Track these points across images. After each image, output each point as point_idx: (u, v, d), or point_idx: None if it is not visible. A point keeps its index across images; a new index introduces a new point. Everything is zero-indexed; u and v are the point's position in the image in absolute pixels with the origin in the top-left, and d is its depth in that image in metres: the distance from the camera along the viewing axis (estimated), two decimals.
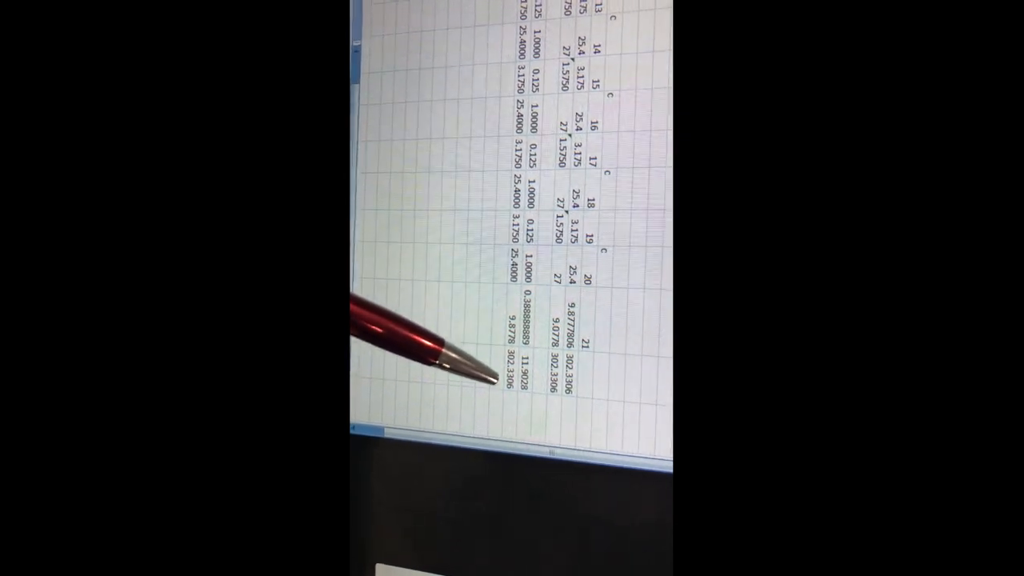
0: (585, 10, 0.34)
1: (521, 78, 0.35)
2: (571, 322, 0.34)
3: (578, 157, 0.34)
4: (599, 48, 0.33)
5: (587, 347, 0.34)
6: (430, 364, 0.22)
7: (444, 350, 0.22)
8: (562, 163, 0.34)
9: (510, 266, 0.35)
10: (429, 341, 0.22)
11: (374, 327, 0.21)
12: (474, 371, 0.22)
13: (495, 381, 0.23)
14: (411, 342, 0.22)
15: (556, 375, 0.34)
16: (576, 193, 0.34)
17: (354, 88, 0.38)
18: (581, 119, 0.34)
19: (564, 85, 0.34)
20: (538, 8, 0.34)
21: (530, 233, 0.35)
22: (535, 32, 0.34)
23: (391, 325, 0.21)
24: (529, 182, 0.35)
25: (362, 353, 0.38)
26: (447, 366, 0.22)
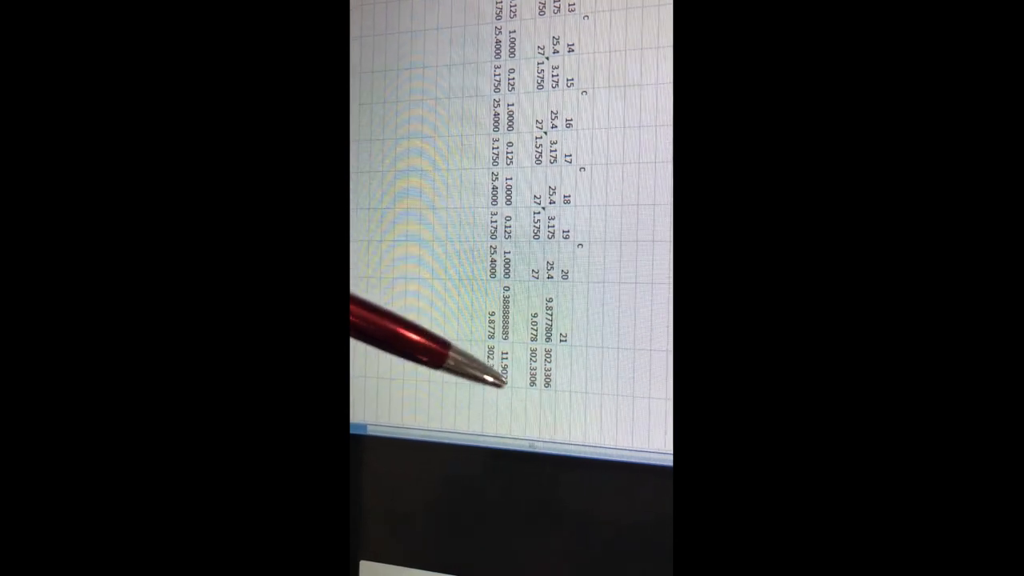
0: (559, 10, 0.34)
1: (497, 77, 0.35)
2: (549, 317, 0.34)
3: (554, 154, 0.34)
4: (573, 47, 0.34)
5: (565, 341, 0.34)
6: (437, 368, 0.21)
7: (450, 353, 0.21)
8: (538, 160, 0.35)
9: (488, 262, 0.35)
10: (435, 344, 0.21)
11: (378, 331, 0.21)
12: (480, 374, 0.22)
13: (502, 384, 0.22)
14: (417, 345, 0.21)
15: (535, 369, 0.35)
16: (552, 190, 0.34)
17: None
18: (556, 117, 0.34)
19: (539, 84, 0.35)
20: (513, 9, 0.35)
21: (508, 230, 0.35)
22: (510, 32, 0.35)
23: (396, 329, 0.21)
24: (506, 179, 0.35)
25: None
26: (455, 369, 0.21)
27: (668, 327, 0.32)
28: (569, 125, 0.34)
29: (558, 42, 0.34)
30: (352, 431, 0.38)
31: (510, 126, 0.35)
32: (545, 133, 0.35)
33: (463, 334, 0.36)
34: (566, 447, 0.34)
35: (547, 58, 0.34)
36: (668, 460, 0.32)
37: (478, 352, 0.36)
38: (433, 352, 0.21)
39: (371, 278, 0.38)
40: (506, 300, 0.35)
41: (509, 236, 0.35)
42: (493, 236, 0.35)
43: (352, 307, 0.21)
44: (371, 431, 0.38)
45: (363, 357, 0.38)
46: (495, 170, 0.35)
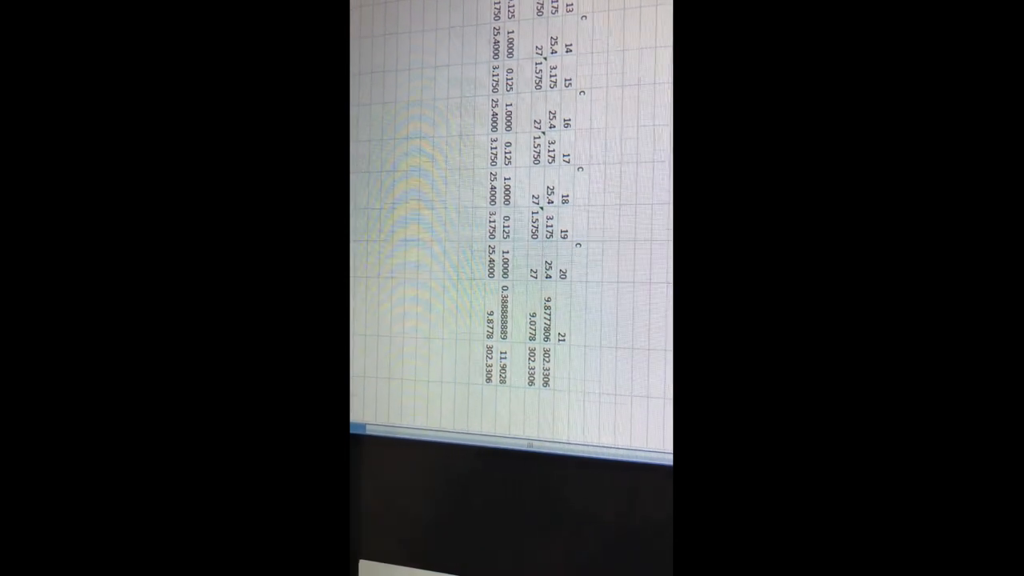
0: (556, 10, 0.34)
1: (495, 78, 0.35)
2: (547, 316, 0.35)
3: (552, 154, 0.34)
4: (571, 47, 0.34)
5: (563, 340, 0.34)
6: None
7: None
8: (536, 160, 0.35)
9: (487, 262, 0.36)
10: None
11: None
12: None
13: None
14: None
15: (534, 369, 0.35)
16: (551, 190, 0.35)
17: None
18: (554, 117, 0.34)
19: (537, 84, 0.35)
20: (511, 9, 0.35)
21: (506, 230, 0.35)
22: (508, 33, 0.35)
23: None
24: (505, 179, 0.35)
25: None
26: None
27: (666, 326, 0.32)
28: (567, 125, 0.34)
29: (556, 42, 0.34)
30: (351, 431, 0.39)
31: (508, 126, 0.35)
32: (543, 133, 0.35)
33: (461, 334, 0.36)
34: (565, 446, 0.34)
35: (545, 58, 0.35)
36: (666, 459, 0.32)
37: (476, 351, 0.36)
38: None
39: (371, 278, 0.38)
40: (505, 299, 0.35)
41: (508, 236, 0.35)
42: (492, 236, 0.35)
43: None
44: (370, 431, 0.38)
45: (362, 357, 0.38)
46: (494, 170, 0.35)
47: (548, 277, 0.35)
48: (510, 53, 0.35)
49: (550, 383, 0.35)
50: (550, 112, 0.34)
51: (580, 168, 0.34)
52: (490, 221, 0.36)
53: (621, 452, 0.33)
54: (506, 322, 0.35)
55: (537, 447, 0.35)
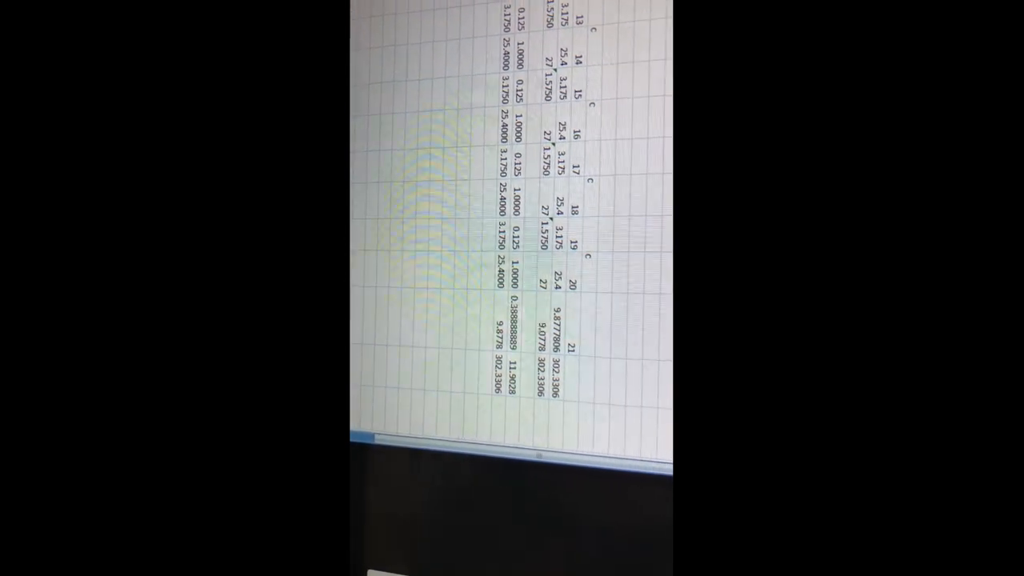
0: (567, 23, 0.34)
1: (505, 89, 0.36)
2: (557, 327, 0.35)
3: (562, 165, 0.35)
4: (581, 59, 0.34)
5: (573, 351, 0.34)
6: None
7: None
8: (546, 171, 0.35)
9: (497, 272, 0.36)
10: None
11: None
12: None
13: None
14: None
15: (543, 379, 0.35)
16: (560, 200, 0.35)
17: None
18: (564, 128, 0.35)
19: (547, 95, 0.35)
20: (521, 21, 0.35)
21: (516, 240, 0.35)
22: (519, 44, 0.35)
23: None
24: (514, 190, 0.35)
25: (352, 360, 0.38)
26: None
27: (673, 337, 0.32)
28: (577, 136, 0.34)
29: (566, 54, 0.35)
30: (359, 440, 0.39)
31: (518, 137, 0.35)
32: (553, 144, 0.35)
33: (471, 343, 0.36)
34: (574, 457, 0.34)
35: (555, 70, 0.35)
36: (670, 470, 0.32)
37: (486, 361, 0.36)
38: None
39: (380, 288, 0.38)
40: (514, 310, 0.35)
41: (517, 246, 0.35)
42: (501, 246, 0.36)
43: None
44: (378, 440, 0.38)
45: (371, 366, 0.38)
46: (503, 181, 0.36)
47: (558, 287, 0.35)
48: (520, 64, 0.35)
49: (559, 393, 0.35)
50: (560, 123, 0.35)
51: (590, 179, 0.34)
52: (500, 232, 0.36)
53: (630, 463, 0.33)
54: (515, 332, 0.35)
55: (546, 457, 0.35)
